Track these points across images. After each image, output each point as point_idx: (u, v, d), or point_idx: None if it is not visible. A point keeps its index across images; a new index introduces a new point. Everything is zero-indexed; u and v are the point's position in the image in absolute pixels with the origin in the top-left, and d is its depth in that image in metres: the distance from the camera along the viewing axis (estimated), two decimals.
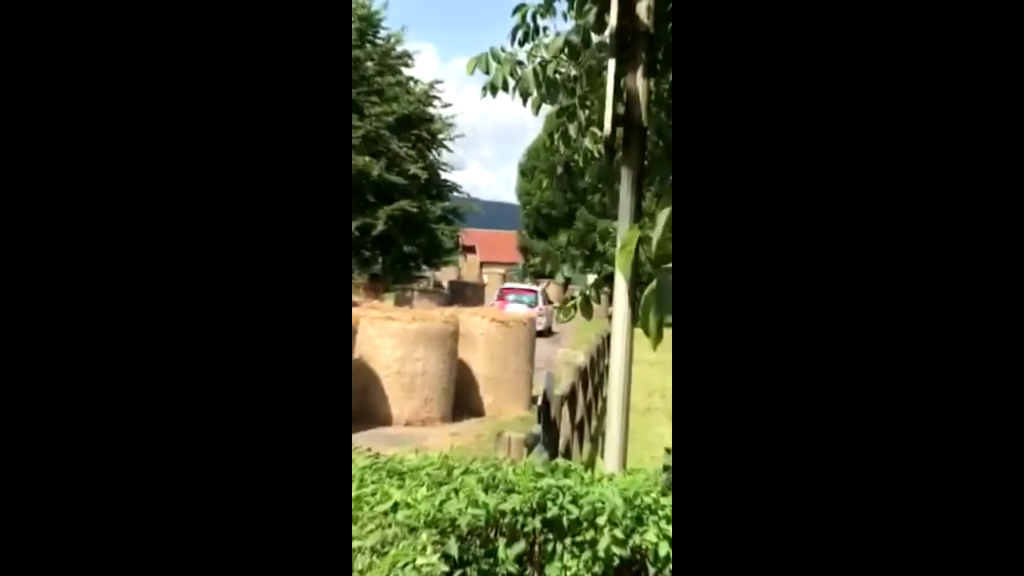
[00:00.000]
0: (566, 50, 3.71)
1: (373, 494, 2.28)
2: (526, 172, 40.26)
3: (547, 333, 20.58)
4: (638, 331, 1.99)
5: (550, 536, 2.23)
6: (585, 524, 2.23)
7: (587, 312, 3.85)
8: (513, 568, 2.17)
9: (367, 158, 25.74)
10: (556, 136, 4.03)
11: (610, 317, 3.80)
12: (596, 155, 4.06)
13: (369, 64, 27.64)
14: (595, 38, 3.66)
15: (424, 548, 2.08)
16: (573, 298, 3.89)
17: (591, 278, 4.10)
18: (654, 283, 1.52)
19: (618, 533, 2.19)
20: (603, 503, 2.24)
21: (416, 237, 28.12)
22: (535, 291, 23.33)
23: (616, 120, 3.29)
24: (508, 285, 26.14)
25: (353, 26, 26.86)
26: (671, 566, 2.18)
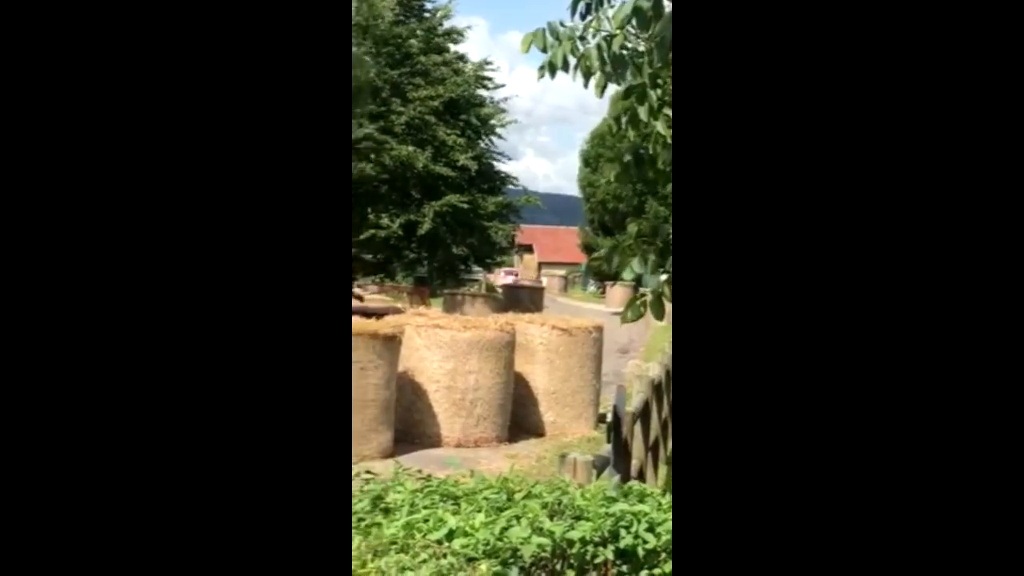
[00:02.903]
0: (634, 21, 3.69)
1: (426, 520, 2.31)
2: (589, 161, 40.14)
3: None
4: None
5: (624, 568, 2.24)
6: (664, 555, 2.24)
7: (659, 312, 3.81)
8: None
9: (411, 148, 25.97)
10: (623, 120, 3.99)
11: None
12: (669, 140, 4.04)
13: (413, 42, 27.88)
14: (668, 6, 3.65)
15: None
16: (643, 295, 3.85)
17: (664, 276, 4.07)
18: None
19: None
20: None
21: (467, 236, 28.29)
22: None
23: None
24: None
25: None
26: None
